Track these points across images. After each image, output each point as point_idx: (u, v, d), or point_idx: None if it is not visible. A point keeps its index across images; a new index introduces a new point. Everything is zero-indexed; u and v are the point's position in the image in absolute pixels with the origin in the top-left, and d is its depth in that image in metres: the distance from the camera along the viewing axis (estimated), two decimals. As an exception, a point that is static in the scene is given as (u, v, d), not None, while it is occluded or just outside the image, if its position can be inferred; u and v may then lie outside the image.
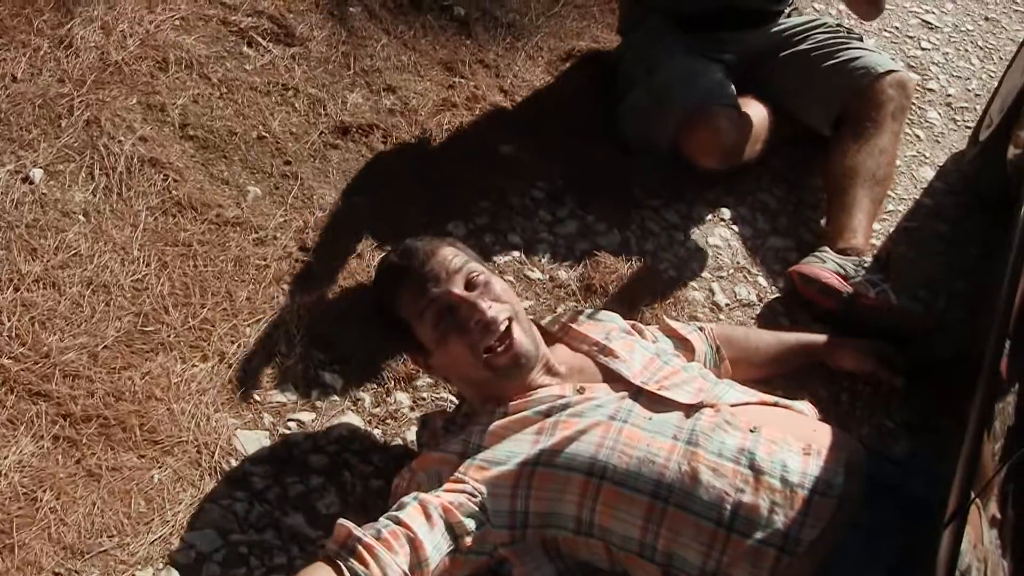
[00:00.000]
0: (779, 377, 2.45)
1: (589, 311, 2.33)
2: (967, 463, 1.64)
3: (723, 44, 2.97)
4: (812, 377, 2.48)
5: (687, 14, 2.90)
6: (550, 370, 2.09)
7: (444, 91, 3.01)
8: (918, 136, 3.20)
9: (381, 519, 1.83)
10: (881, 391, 2.48)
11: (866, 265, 2.61)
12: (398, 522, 1.81)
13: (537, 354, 2.06)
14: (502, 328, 2.01)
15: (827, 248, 2.65)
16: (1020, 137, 2.65)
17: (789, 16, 3.08)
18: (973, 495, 1.53)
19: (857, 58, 2.87)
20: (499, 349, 2.01)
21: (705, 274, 2.69)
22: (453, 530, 1.86)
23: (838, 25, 3.06)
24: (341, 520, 1.79)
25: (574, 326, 2.21)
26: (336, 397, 2.30)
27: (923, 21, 3.66)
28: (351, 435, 2.23)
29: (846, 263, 2.61)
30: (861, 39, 3.02)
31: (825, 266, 2.60)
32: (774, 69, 2.97)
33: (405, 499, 1.88)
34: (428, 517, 1.83)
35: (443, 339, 2.03)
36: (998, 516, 1.44)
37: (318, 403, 2.28)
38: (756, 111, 2.85)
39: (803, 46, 2.97)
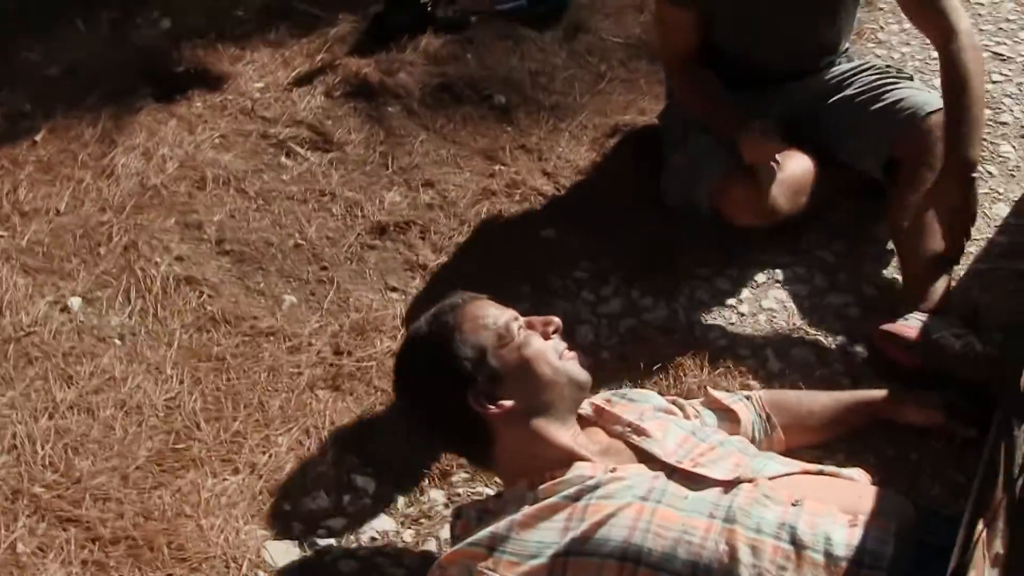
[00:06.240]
0: (840, 440, 2.29)
1: (622, 392, 2.23)
2: (976, 499, 1.47)
3: (767, 99, 2.85)
4: (877, 437, 2.31)
5: (732, 74, 2.80)
6: (584, 447, 2.00)
7: (484, 180, 2.96)
8: (990, 173, 3.01)
9: None
10: (955, 445, 2.29)
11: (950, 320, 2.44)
12: None
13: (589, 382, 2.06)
14: None
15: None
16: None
17: (839, 64, 2.95)
18: (979, 531, 1.36)
19: (904, 98, 2.70)
20: (571, 352, 2.03)
21: (758, 340, 2.55)
22: None
23: (887, 66, 2.92)
24: None
25: (607, 408, 2.11)
26: (368, 500, 2.23)
27: (994, 53, 3.47)
28: (383, 538, 2.16)
29: (932, 319, 2.44)
30: (911, 78, 2.86)
31: (907, 323, 2.43)
32: (820, 116, 2.83)
33: None
34: None
35: (527, 342, 1.98)
36: (1000, 553, 1.27)
37: (350, 508, 2.21)
38: (798, 163, 2.70)
39: (849, 91, 2.82)
